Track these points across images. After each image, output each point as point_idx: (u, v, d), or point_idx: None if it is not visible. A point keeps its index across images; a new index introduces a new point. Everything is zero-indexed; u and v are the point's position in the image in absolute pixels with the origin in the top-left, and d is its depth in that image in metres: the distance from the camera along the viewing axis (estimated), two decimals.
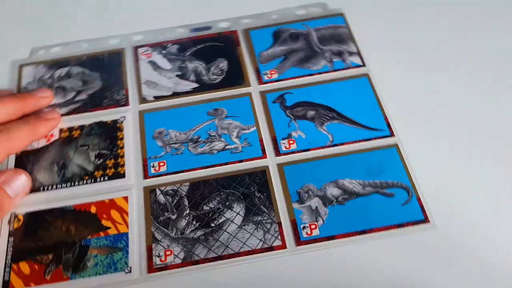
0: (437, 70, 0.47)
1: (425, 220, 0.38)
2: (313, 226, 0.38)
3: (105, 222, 0.38)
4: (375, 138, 0.43)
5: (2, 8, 0.54)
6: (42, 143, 0.43)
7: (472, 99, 0.45)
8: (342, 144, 0.42)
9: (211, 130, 0.43)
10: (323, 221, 0.38)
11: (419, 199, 0.39)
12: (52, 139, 0.43)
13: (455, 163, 0.41)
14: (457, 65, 0.47)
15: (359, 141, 0.42)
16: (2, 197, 0.36)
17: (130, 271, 0.36)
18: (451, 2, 0.52)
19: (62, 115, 0.44)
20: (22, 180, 0.38)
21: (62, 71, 0.48)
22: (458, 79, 0.46)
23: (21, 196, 0.38)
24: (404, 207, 0.39)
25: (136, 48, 0.49)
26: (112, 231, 0.38)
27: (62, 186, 0.40)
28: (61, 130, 0.43)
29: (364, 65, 0.47)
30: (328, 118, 0.44)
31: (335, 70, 0.47)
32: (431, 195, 0.40)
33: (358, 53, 0.48)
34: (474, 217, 0.39)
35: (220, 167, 0.41)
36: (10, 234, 0.38)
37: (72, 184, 0.40)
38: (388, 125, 0.43)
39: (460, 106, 0.45)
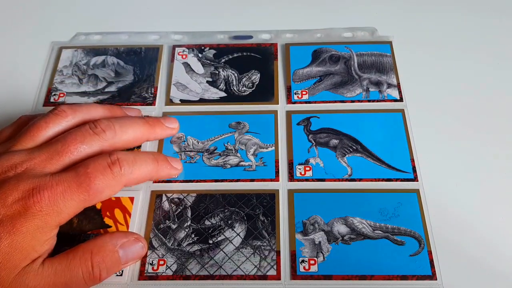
0: (479, 122, 0.44)
1: (433, 276, 0.36)
2: (312, 262, 0.37)
3: (107, 220, 0.38)
4: (397, 180, 0.40)
5: None
6: None
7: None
8: (360, 179, 0.40)
9: (228, 143, 0.43)
10: (323, 258, 0.37)
11: (430, 253, 0.37)
12: None
13: (477, 222, 0.39)
14: (500, 121, 0.44)
15: (379, 179, 0.40)
16: (114, 262, 0.33)
17: (121, 275, 0.36)
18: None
19: None
20: (139, 248, 0.35)
21: (98, 59, 0.48)
22: (497, 136, 0.43)
23: (131, 264, 0.35)
24: (413, 258, 0.37)
25: (174, 47, 0.49)
26: (112, 230, 0.38)
27: None
28: None
29: (401, 100, 0.45)
30: (351, 150, 0.42)
31: (369, 101, 0.45)
32: (444, 251, 0.37)
33: (398, 86, 0.46)
34: (487, 283, 0.36)
35: (230, 183, 0.40)
36: None
37: None
38: (414, 169, 0.41)
39: (496, 165, 0.41)
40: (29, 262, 0.31)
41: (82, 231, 0.38)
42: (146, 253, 0.37)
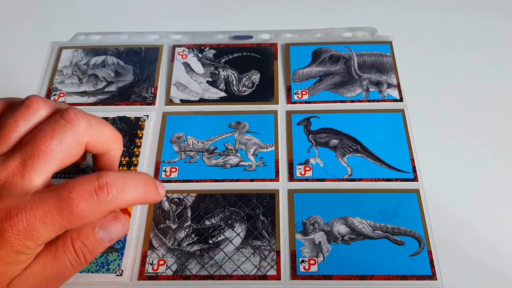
0: (479, 123, 0.44)
1: (433, 276, 0.36)
2: (312, 262, 0.37)
3: None
4: (397, 180, 0.40)
5: None
6: None
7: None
8: (360, 179, 0.40)
9: (228, 143, 0.43)
10: (323, 258, 0.37)
11: (430, 253, 0.37)
12: None
13: (476, 224, 0.39)
14: (500, 121, 0.44)
15: (379, 179, 0.40)
16: (96, 242, 0.32)
17: (121, 274, 0.36)
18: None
19: (89, 104, 0.45)
20: (119, 227, 0.33)
21: (98, 59, 0.48)
22: (497, 136, 0.43)
23: (115, 241, 0.34)
24: (413, 258, 0.37)
25: (174, 47, 0.49)
26: None
27: (74, 176, 0.40)
28: None
29: (401, 100, 0.45)
30: (351, 150, 0.42)
31: (369, 101, 0.45)
32: (444, 251, 0.37)
33: (398, 86, 0.46)
34: (487, 283, 0.36)
35: (230, 182, 0.40)
36: None
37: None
38: (414, 169, 0.41)
39: (495, 165, 0.41)
40: (10, 280, 0.29)
41: None
42: (146, 252, 0.37)
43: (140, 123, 0.44)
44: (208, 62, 0.48)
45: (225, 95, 0.46)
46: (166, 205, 0.39)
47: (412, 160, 0.41)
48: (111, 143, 0.34)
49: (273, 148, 0.42)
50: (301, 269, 0.36)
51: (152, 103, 0.45)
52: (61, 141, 0.30)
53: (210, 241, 0.38)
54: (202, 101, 0.45)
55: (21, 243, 0.27)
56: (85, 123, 0.31)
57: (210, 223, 0.38)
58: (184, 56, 0.49)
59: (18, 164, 0.29)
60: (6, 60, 0.49)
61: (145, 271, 0.36)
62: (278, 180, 0.40)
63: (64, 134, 0.30)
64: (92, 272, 0.36)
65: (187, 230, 0.38)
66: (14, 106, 0.32)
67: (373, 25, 0.51)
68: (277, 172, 0.41)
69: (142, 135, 0.43)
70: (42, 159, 0.30)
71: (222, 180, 0.41)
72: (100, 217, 0.31)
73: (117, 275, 0.36)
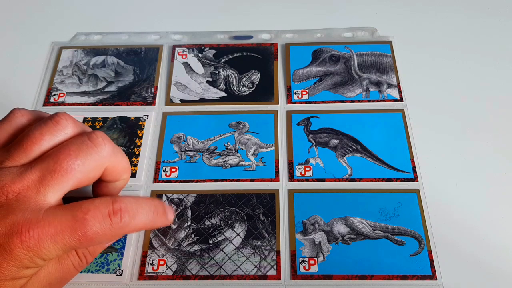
0: (478, 123, 0.44)
1: (433, 276, 0.36)
2: (312, 262, 0.37)
3: None
4: (397, 180, 0.40)
5: None
6: None
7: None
8: (360, 179, 0.40)
9: (228, 143, 0.43)
10: (323, 258, 0.37)
11: (430, 253, 0.37)
12: None
13: (477, 222, 0.39)
14: (500, 121, 0.44)
15: (379, 179, 0.40)
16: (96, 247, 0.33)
17: (121, 274, 0.36)
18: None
19: (89, 104, 0.45)
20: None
21: (98, 59, 0.48)
22: (497, 136, 0.43)
23: (113, 241, 0.35)
24: (412, 258, 0.37)
25: (174, 47, 0.49)
26: None
27: None
28: (85, 119, 0.44)
29: (401, 100, 0.45)
30: (351, 150, 0.42)
31: (369, 101, 0.45)
32: (444, 251, 0.37)
33: (398, 86, 0.46)
34: (487, 283, 0.36)
35: (230, 182, 0.40)
36: None
37: None
38: (414, 169, 0.41)
39: (496, 165, 0.41)
40: None
41: None
42: (146, 252, 0.37)
43: (140, 123, 0.44)
44: (208, 62, 0.48)
45: (225, 95, 0.46)
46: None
47: (412, 160, 0.41)
48: (123, 174, 0.34)
49: (273, 148, 0.42)
50: (301, 269, 0.36)
51: (152, 103, 0.45)
52: (83, 162, 0.30)
53: (210, 241, 0.38)
54: (202, 101, 0.45)
55: (30, 259, 0.27)
56: (110, 149, 0.31)
57: (210, 223, 0.38)
58: (184, 56, 0.49)
59: (35, 178, 0.29)
60: (6, 60, 0.49)
61: (145, 271, 0.36)
62: (278, 180, 0.40)
63: (89, 156, 0.30)
64: (92, 272, 0.36)
65: (187, 230, 0.38)
66: (42, 119, 0.32)
67: (373, 25, 0.51)
68: (277, 172, 0.41)
69: (142, 135, 0.43)
70: (61, 176, 0.29)
71: (222, 180, 0.41)
72: (108, 241, 0.32)
73: (117, 275, 0.36)
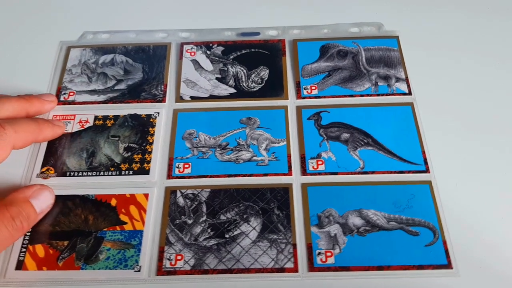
0: (487, 113, 0.44)
1: (448, 265, 0.36)
2: (328, 254, 0.37)
3: (122, 217, 0.38)
4: (409, 172, 0.41)
5: None
6: (76, 127, 0.43)
7: None
8: (372, 172, 0.41)
9: (240, 139, 0.43)
10: (340, 250, 0.37)
11: (444, 243, 0.37)
12: (87, 125, 0.43)
13: (490, 211, 0.39)
14: (510, 112, 0.45)
15: (391, 172, 0.41)
16: (30, 210, 0.36)
17: (139, 270, 0.36)
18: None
19: (100, 102, 0.45)
20: (48, 195, 0.38)
21: (107, 57, 0.48)
22: (508, 127, 0.44)
23: (45, 212, 0.38)
24: (428, 248, 0.37)
25: (182, 44, 0.49)
26: (128, 227, 0.38)
27: (88, 174, 0.41)
28: (96, 117, 0.44)
29: (410, 93, 0.45)
30: (362, 143, 0.42)
31: (378, 95, 0.45)
32: (459, 240, 0.38)
33: (406, 80, 0.46)
34: (503, 270, 0.36)
35: (244, 177, 0.41)
36: None
37: (98, 173, 0.41)
38: (425, 161, 0.41)
39: (506, 156, 0.42)
40: None
41: (97, 228, 0.38)
42: (163, 248, 0.37)
43: (151, 120, 0.44)
44: (217, 59, 0.48)
45: (235, 91, 0.46)
46: (181, 200, 0.39)
47: (423, 152, 0.42)
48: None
49: (285, 142, 0.42)
50: (318, 261, 0.37)
51: (162, 100, 0.45)
52: None
53: (227, 236, 0.38)
54: (212, 97, 0.46)
55: None
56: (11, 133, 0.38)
57: (225, 218, 0.39)
58: (192, 54, 0.49)
59: None
60: (15, 61, 0.48)
61: (163, 266, 0.36)
62: (291, 175, 0.41)
63: None
64: (110, 268, 0.36)
65: (203, 225, 0.38)
66: None
67: (379, 20, 0.51)
68: (289, 167, 0.41)
69: (154, 132, 0.43)
70: None
71: (235, 175, 0.41)
72: (6, 152, 0.37)
73: (135, 271, 0.36)
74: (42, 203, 0.37)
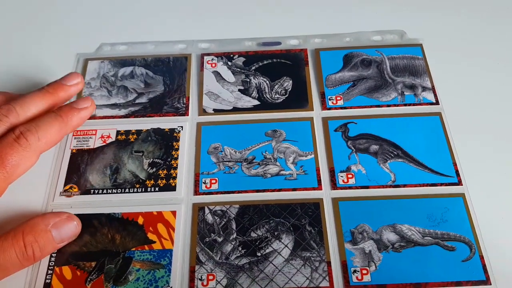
0: None
1: (487, 281, 0.36)
2: (364, 271, 0.36)
3: (150, 235, 0.37)
4: (441, 184, 0.40)
5: (76, 2, 0.54)
6: (98, 143, 0.42)
7: None
8: (404, 185, 0.40)
9: (267, 152, 0.42)
10: (375, 267, 0.36)
11: (482, 258, 0.36)
12: (109, 140, 0.42)
13: None
14: None
15: (423, 185, 0.40)
16: (47, 241, 0.34)
17: None
18: None
19: (121, 117, 0.44)
20: (72, 227, 0.36)
21: (126, 70, 0.47)
22: None
23: (66, 242, 0.36)
24: (465, 264, 0.36)
25: (202, 55, 0.48)
26: (157, 246, 0.37)
27: (113, 191, 0.40)
28: (118, 132, 0.43)
29: (437, 103, 0.44)
30: (392, 155, 0.41)
31: (405, 105, 0.44)
32: (496, 254, 0.37)
33: (433, 89, 0.45)
34: None
35: (272, 193, 0.40)
36: None
37: (123, 190, 0.40)
38: (457, 172, 0.40)
39: None
40: None
41: (125, 248, 0.37)
42: (194, 268, 0.36)
43: (175, 134, 0.43)
44: (238, 70, 0.47)
45: (258, 103, 0.45)
46: (209, 217, 0.38)
47: (455, 164, 0.41)
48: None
49: (313, 155, 0.41)
50: (354, 279, 0.36)
51: (185, 113, 0.44)
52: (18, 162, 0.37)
53: (258, 254, 0.37)
54: (235, 110, 0.45)
55: None
56: (14, 115, 0.38)
57: (256, 235, 0.38)
58: (213, 65, 0.48)
59: None
60: (33, 75, 0.47)
61: (195, 287, 0.35)
62: (321, 189, 0.40)
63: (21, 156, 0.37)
64: None
65: (233, 243, 0.37)
66: None
67: (401, 27, 0.50)
68: (319, 181, 0.40)
69: (178, 146, 0.42)
70: (6, 179, 0.36)
71: (263, 190, 0.40)
72: (33, 161, 0.37)
73: None
74: (64, 234, 0.35)
